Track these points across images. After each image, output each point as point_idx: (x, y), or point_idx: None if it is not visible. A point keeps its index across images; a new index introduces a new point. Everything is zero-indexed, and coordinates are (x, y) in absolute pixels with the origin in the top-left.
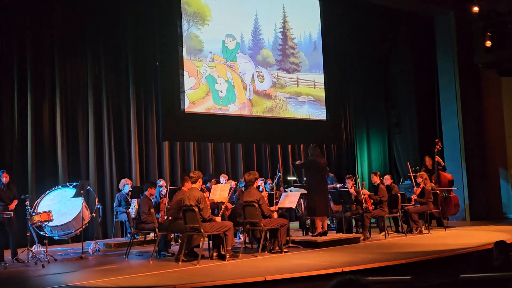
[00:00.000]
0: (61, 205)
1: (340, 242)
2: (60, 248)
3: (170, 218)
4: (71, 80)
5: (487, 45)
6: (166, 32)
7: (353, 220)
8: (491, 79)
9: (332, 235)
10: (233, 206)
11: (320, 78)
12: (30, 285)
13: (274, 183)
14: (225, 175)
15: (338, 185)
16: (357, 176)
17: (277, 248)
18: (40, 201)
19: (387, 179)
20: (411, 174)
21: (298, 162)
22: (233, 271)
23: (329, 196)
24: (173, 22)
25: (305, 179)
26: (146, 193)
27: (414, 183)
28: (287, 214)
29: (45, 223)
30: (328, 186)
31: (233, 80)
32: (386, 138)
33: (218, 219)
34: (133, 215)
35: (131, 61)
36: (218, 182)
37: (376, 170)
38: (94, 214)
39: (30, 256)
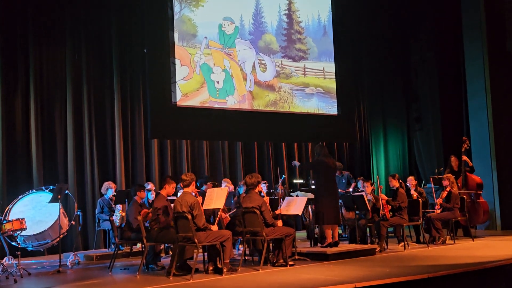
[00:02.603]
0: (35, 212)
1: (353, 254)
2: (35, 261)
3: (155, 228)
4: (47, 70)
5: None
6: (155, 14)
7: (368, 229)
8: None
9: (344, 246)
10: (229, 213)
11: (330, 67)
12: None
13: (282, 189)
14: (227, 180)
15: (350, 189)
16: (377, 178)
17: (281, 260)
18: (12, 207)
19: (411, 181)
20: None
21: (296, 163)
22: (232, 286)
23: (340, 201)
24: (163, 3)
25: (313, 182)
26: (135, 197)
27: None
28: (293, 222)
29: (18, 232)
30: (343, 191)
31: (231, 69)
32: (405, 136)
33: (214, 227)
34: (117, 223)
35: (116, 47)
36: (215, 186)
37: (395, 172)
38: (73, 222)
39: (0, 270)
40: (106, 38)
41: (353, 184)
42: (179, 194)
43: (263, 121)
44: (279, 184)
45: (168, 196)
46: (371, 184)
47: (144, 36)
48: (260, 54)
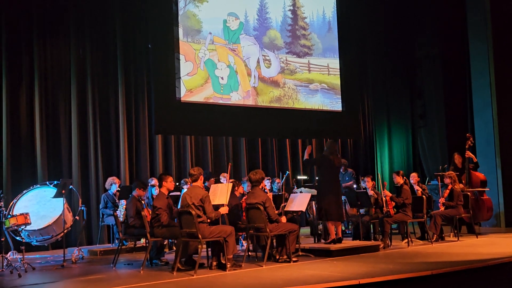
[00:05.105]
0: (40, 207)
1: (357, 251)
2: (39, 256)
3: (156, 225)
4: (51, 66)
5: None
6: (160, 10)
7: (372, 226)
8: None
9: (348, 243)
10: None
11: (335, 63)
12: None
13: (282, 182)
14: (225, 174)
15: (355, 186)
16: (378, 175)
17: (285, 257)
18: (16, 202)
19: (414, 178)
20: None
21: (306, 155)
22: (235, 282)
23: (343, 198)
24: None
25: (317, 178)
26: (134, 193)
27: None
28: (298, 218)
29: (22, 227)
30: (347, 184)
31: (235, 65)
32: (409, 132)
33: (224, 209)
34: (121, 218)
35: (120, 43)
36: (217, 182)
37: (399, 169)
38: (77, 217)
39: (5, 264)
40: (110, 33)
41: (352, 182)
42: (183, 190)
43: (267, 117)
44: (275, 178)
45: (169, 191)
46: (372, 180)
47: (148, 31)
48: (264, 50)
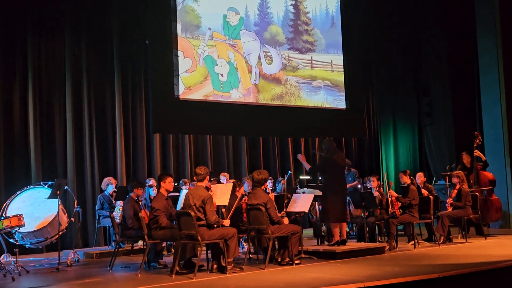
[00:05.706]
0: (34, 208)
1: (362, 253)
2: (33, 258)
3: (154, 227)
4: (45, 63)
5: None
6: (158, 5)
7: (377, 227)
8: None
9: (352, 244)
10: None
11: (338, 59)
12: None
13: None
14: (225, 174)
15: (359, 186)
16: (385, 175)
17: (287, 259)
18: (9, 203)
19: (420, 178)
20: None
21: (306, 164)
22: (236, 286)
23: (348, 198)
24: None
25: (320, 178)
26: (131, 194)
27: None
28: (301, 220)
29: (16, 229)
30: (351, 184)
31: (236, 61)
32: (416, 131)
33: (227, 222)
34: (118, 219)
35: (116, 39)
36: (218, 182)
37: (405, 169)
38: (72, 219)
39: None
40: (106, 29)
41: (356, 182)
42: (182, 191)
43: (269, 115)
44: (280, 179)
45: (168, 192)
46: (377, 179)
47: (146, 27)
48: (265, 46)
